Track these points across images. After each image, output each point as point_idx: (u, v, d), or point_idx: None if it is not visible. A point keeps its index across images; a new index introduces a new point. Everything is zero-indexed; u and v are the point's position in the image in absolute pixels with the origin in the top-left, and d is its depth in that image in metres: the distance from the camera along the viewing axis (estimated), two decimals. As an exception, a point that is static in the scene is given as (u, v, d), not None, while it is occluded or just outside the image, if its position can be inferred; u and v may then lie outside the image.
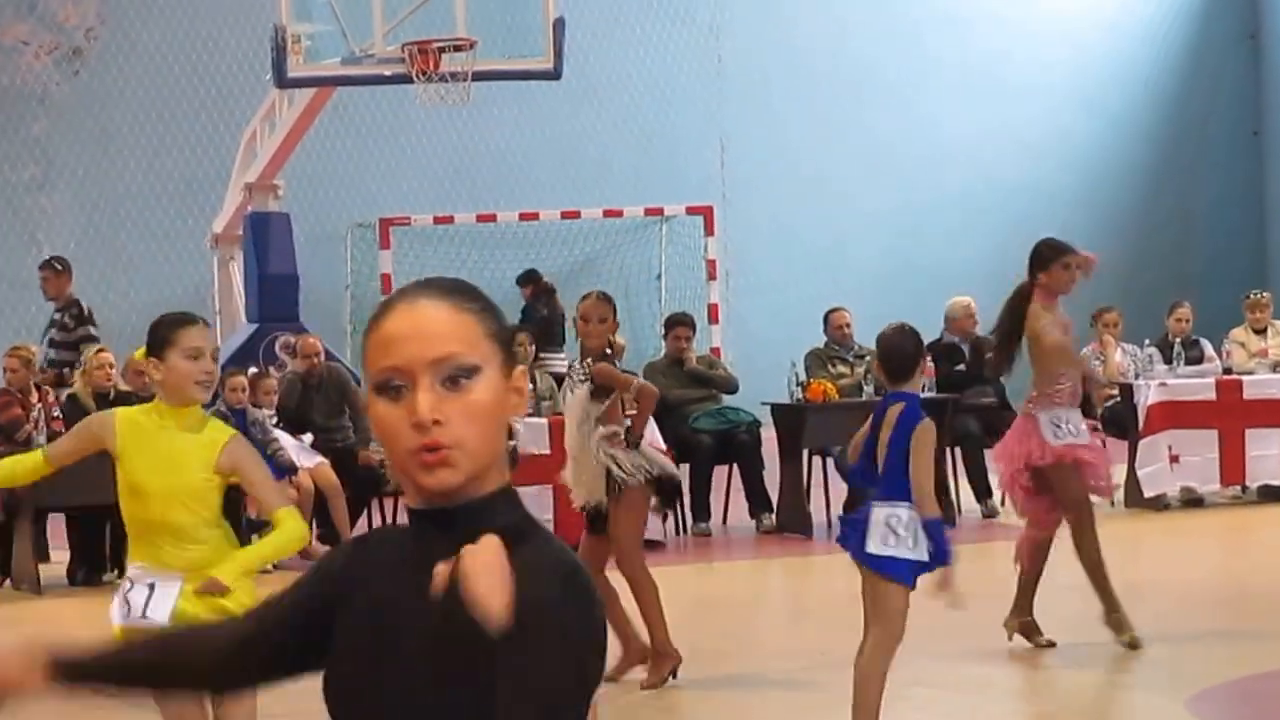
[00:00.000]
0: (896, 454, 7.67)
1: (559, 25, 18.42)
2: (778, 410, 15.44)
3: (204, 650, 2.91)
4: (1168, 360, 16.29)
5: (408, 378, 2.65)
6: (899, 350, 7.89)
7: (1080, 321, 12.25)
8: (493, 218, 23.80)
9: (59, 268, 16.81)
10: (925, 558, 7.64)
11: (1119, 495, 14.67)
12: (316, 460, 14.56)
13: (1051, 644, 10.29)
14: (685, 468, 10.03)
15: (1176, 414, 15.61)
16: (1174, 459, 15.61)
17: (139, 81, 23.02)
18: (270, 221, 19.72)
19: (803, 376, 15.54)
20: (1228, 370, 16.38)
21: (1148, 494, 15.64)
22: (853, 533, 7.76)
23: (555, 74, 18.66)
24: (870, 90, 25.43)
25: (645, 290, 24.53)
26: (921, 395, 8.25)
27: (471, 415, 2.65)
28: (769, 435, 15.47)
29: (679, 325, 15.83)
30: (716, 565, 14.55)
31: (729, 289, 24.56)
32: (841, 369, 16.02)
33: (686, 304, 22.11)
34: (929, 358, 12.63)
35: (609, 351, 9.71)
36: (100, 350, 14.67)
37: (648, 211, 24.31)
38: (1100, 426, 12.46)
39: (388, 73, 18.28)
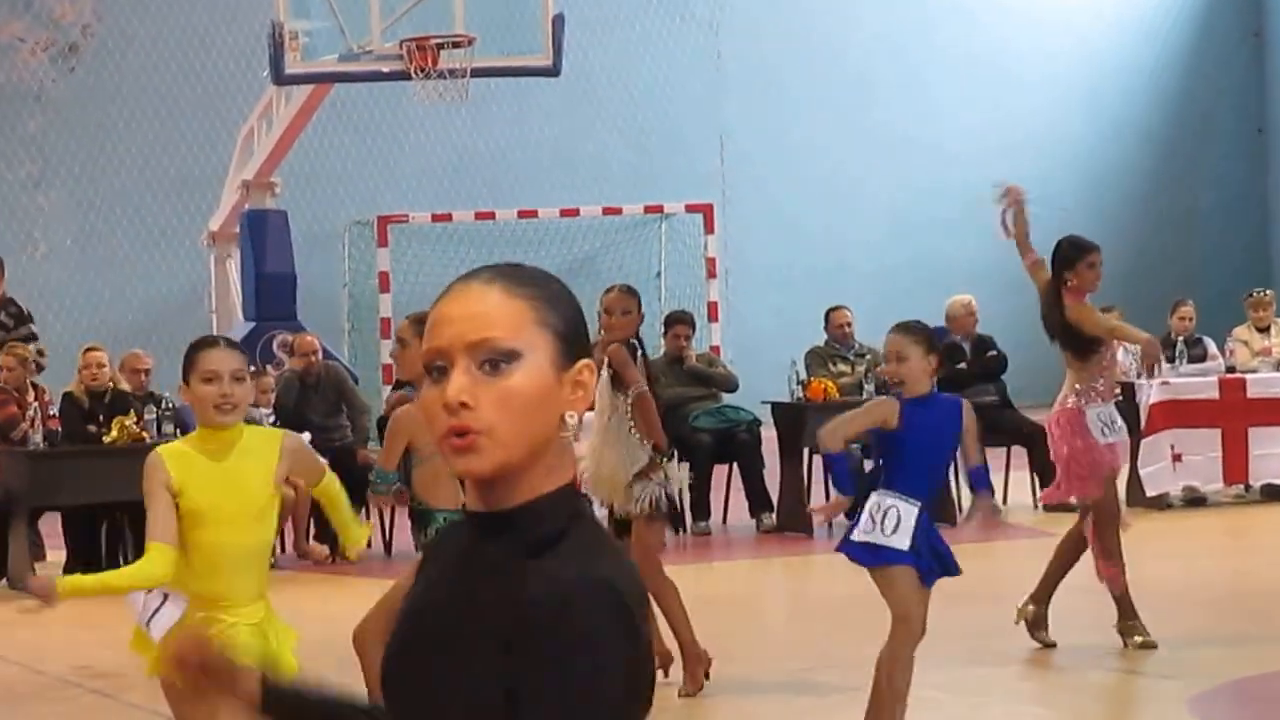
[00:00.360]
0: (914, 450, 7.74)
1: (558, 22, 18.36)
2: (778, 409, 15.39)
3: None
4: (1170, 359, 16.22)
5: (448, 359, 2.60)
6: None
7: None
8: (491, 215, 23.73)
9: None
10: (905, 545, 7.61)
11: (1121, 495, 14.61)
12: (314, 459, 14.48)
13: (1052, 644, 10.23)
14: (685, 465, 9.95)
15: (1179, 413, 15.54)
16: (1176, 458, 15.54)
17: (135, 78, 22.95)
18: (267, 219, 19.67)
19: (803, 375, 15.49)
20: (1230, 369, 16.32)
21: (1150, 493, 15.57)
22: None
23: (554, 71, 18.61)
24: (870, 87, 25.37)
25: (645, 288, 24.20)
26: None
27: (505, 402, 2.57)
28: (769, 434, 15.42)
29: (678, 323, 15.76)
30: (716, 565, 14.49)
31: (728, 287, 24.49)
32: (842, 368, 15.97)
33: (686, 302, 22.04)
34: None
35: (635, 343, 9.64)
36: (91, 349, 14.60)
37: (647, 209, 24.25)
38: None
39: (385, 70, 18.22)
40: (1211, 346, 16.75)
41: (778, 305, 24.25)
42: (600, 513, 9.68)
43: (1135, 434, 15.67)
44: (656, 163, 24.66)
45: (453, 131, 23.81)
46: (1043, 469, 14.54)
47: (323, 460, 6.76)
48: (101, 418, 14.14)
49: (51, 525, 14.66)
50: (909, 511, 7.70)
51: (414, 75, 17.91)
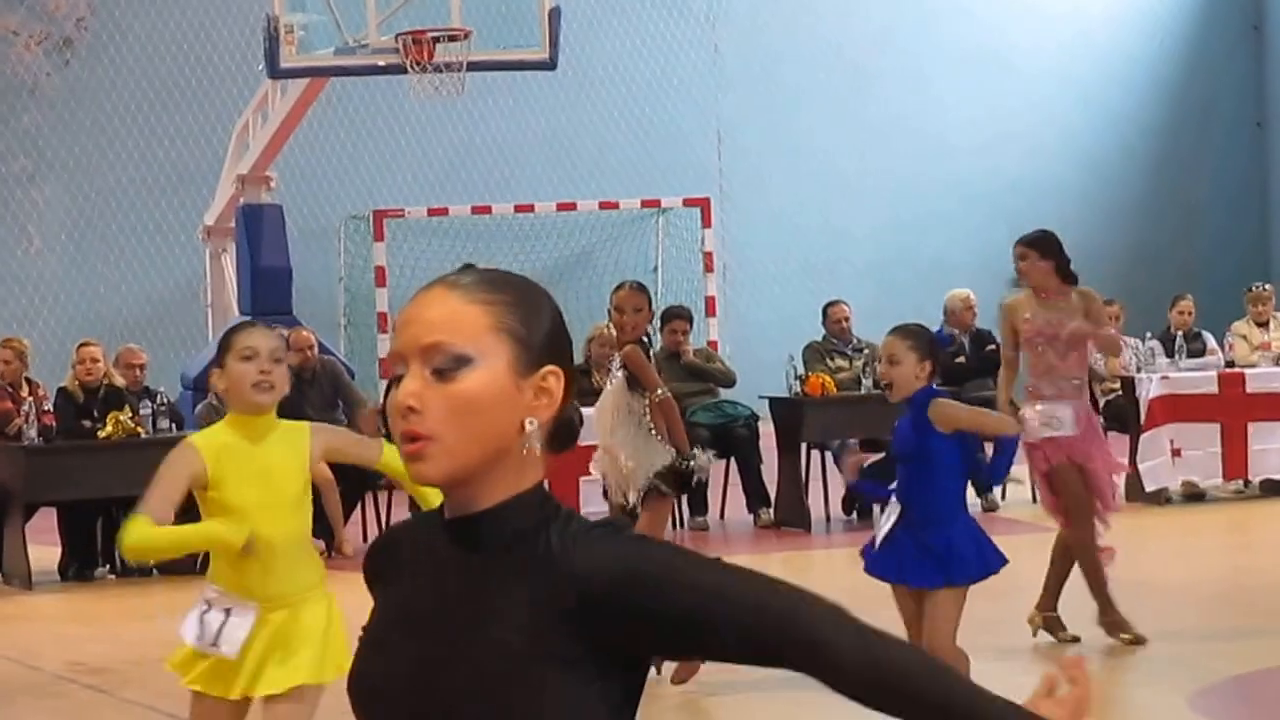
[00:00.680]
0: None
1: (554, 15, 18.30)
2: (776, 404, 15.36)
3: None
4: (1170, 353, 16.20)
5: (403, 363, 2.58)
6: None
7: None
8: (488, 210, 23.67)
9: None
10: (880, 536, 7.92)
11: (1120, 490, 14.58)
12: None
13: (1075, 639, 10.24)
14: (710, 453, 10.08)
15: (1178, 408, 15.51)
16: (1176, 453, 15.51)
17: (130, 72, 22.88)
18: (263, 214, 19.59)
19: (801, 370, 15.46)
20: (1230, 363, 16.31)
21: (1149, 488, 15.54)
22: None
23: (551, 64, 18.54)
24: (869, 80, 25.31)
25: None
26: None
27: (453, 407, 2.54)
28: (767, 429, 15.39)
29: (676, 318, 15.71)
30: (713, 561, 14.44)
31: (726, 282, 24.43)
32: (840, 363, 15.94)
33: (683, 297, 21.98)
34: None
35: (646, 340, 9.62)
36: (85, 344, 14.55)
37: (644, 203, 24.18)
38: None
39: (381, 63, 18.16)
40: (1211, 341, 16.73)
41: (776, 300, 24.20)
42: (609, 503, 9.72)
43: (1135, 429, 15.65)
44: (654, 157, 24.59)
45: (449, 126, 23.75)
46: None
47: (377, 439, 6.62)
48: (96, 413, 14.11)
49: (47, 521, 14.60)
50: (891, 509, 7.97)
51: (410, 69, 17.84)
